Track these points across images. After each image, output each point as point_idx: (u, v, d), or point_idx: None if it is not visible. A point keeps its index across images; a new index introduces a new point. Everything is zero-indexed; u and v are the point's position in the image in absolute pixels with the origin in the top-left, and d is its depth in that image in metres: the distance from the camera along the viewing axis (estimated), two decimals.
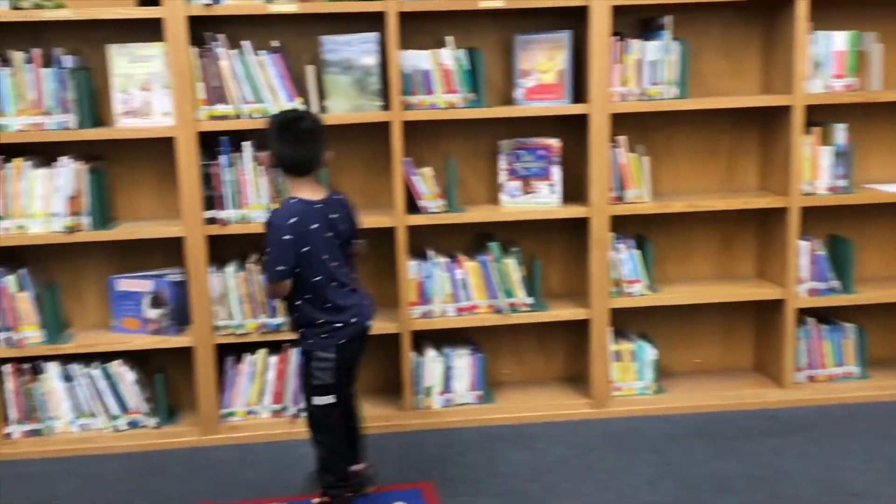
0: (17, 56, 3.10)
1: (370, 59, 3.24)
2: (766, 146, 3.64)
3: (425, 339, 3.56)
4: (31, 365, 3.30)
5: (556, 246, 3.67)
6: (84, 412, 3.34)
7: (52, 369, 3.30)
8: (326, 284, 2.69)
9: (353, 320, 2.74)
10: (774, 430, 3.35)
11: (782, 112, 3.45)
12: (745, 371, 3.82)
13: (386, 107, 3.28)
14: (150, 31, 3.20)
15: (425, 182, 3.34)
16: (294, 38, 3.36)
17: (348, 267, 2.80)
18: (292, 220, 2.63)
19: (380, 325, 3.36)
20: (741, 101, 3.49)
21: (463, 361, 3.48)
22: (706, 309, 3.73)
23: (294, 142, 2.65)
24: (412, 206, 3.34)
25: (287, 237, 2.61)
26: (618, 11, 3.28)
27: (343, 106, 3.27)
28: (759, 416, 3.47)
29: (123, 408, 3.35)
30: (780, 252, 3.55)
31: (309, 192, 2.69)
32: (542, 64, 3.37)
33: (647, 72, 3.34)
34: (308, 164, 2.67)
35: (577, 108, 3.34)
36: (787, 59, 3.40)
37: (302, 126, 2.67)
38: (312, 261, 2.65)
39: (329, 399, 2.75)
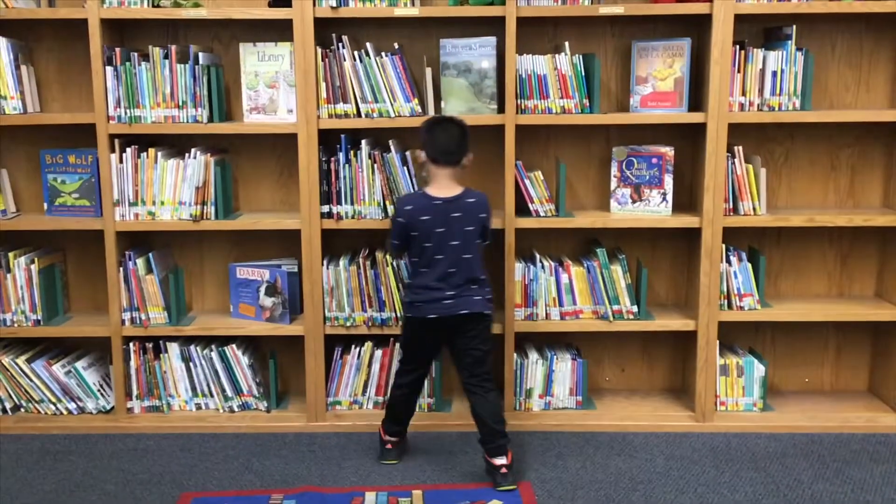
0: (156, 52, 3.28)
1: (487, 63, 3.29)
2: (893, 163, 3.51)
3: (528, 341, 3.59)
4: (153, 344, 3.48)
5: (663, 254, 3.63)
6: (200, 392, 3.51)
7: (173, 349, 3.47)
8: (421, 266, 3.02)
9: (418, 304, 3.02)
10: (885, 455, 3.23)
11: None
12: (858, 393, 3.69)
13: (500, 110, 3.33)
14: (277, 31, 3.34)
15: (536, 185, 3.36)
16: (414, 40, 3.44)
17: (460, 263, 2.96)
18: (408, 208, 3.00)
19: None
20: (867, 115, 3.38)
21: (565, 366, 3.49)
22: (819, 327, 3.63)
23: (440, 133, 3.00)
24: (521, 209, 3.37)
25: (400, 219, 3.02)
26: (741, 20, 3.23)
27: (459, 108, 3.33)
28: (869, 440, 3.35)
29: (237, 390, 3.50)
30: None
31: (440, 188, 3.00)
32: (659, 71, 3.34)
33: (768, 82, 3.28)
34: (448, 155, 2.98)
35: (694, 117, 3.31)
36: None
37: (449, 123, 3.04)
38: (417, 244, 3.01)
39: (399, 348, 3.25)
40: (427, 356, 3.17)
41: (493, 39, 3.29)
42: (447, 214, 2.97)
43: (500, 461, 2.99)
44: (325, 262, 3.40)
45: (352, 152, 3.34)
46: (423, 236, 2.98)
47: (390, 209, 3.34)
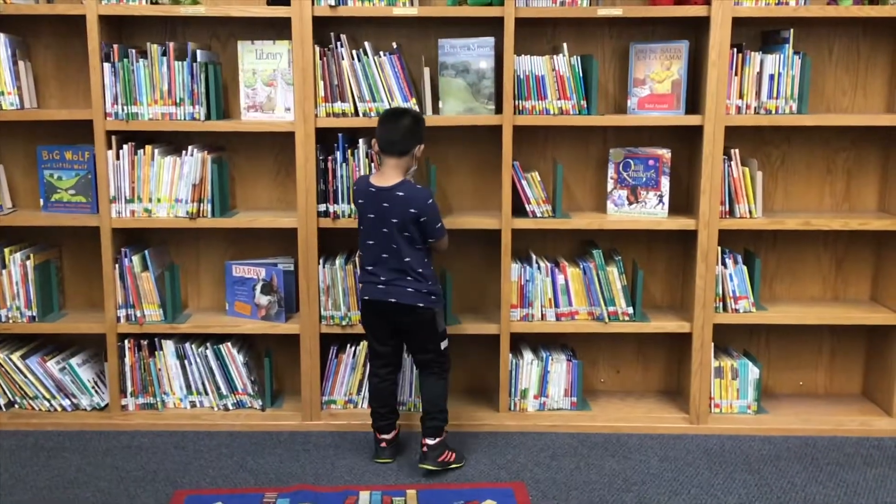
0: (154, 49, 3.27)
1: (485, 63, 3.29)
2: (889, 167, 3.52)
3: (523, 342, 3.59)
4: (148, 341, 3.47)
5: (659, 256, 3.64)
6: (195, 390, 3.51)
7: (168, 347, 3.47)
8: (361, 248, 3.14)
9: (361, 283, 3.18)
10: (878, 459, 3.24)
11: None
12: (852, 397, 3.70)
13: (498, 110, 3.33)
14: (276, 29, 3.34)
15: (533, 186, 3.36)
16: (412, 39, 3.44)
17: (390, 251, 3.04)
18: (354, 188, 3.19)
19: (480, 326, 3.42)
20: (864, 120, 3.38)
21: (560, 367, 3.49)
22: (814, 330, 3.64)
23: (387, 124, 3.06)
24: (518, 210, 3.37)
25: (354, 193, 3.22)
26: (738, 23, 3.24)
27: (456, 108, 3.33)
28: (863, 443, 3.36)
29: (231, 388, 3.50)
30: None
31: (381, 177, 3.07)
32: (657, 73, 3.35)
33: (765, 85, 3.28)
34: (391, 145, 3.03)
35: (691, 120, 3.31)
36: None
37: (398, 114, 3.09)
38: (359, 223, 3.14)
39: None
40: (381, 341, 3.16)
41: (491, 40, 3.29)
42: (378, 203, 3.03)
43: (427, 441, 3.09)
44: (321, 261, 3.40)
45: (349, 151, 3.34)
46: (360, 218, 3.12)
47: None
